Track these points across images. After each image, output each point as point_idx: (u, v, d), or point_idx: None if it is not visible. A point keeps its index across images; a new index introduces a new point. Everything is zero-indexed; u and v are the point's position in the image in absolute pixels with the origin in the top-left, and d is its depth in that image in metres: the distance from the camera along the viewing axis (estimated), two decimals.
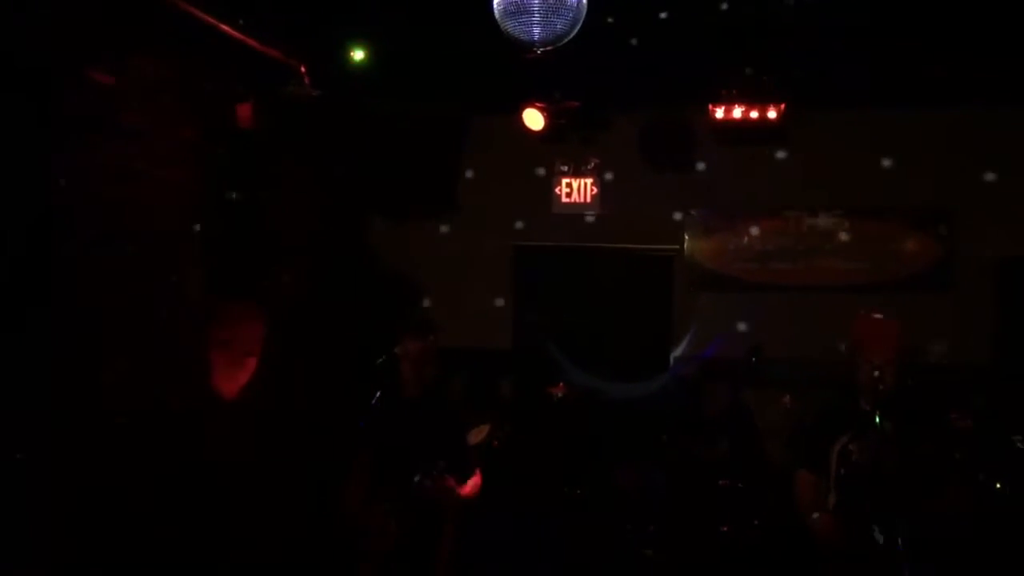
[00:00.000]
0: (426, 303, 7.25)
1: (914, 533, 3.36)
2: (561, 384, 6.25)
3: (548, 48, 3.77)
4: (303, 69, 5.47)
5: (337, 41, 5.54)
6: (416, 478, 3.86)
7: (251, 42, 5.13)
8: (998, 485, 4.79)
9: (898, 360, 3.87)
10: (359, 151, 6.88)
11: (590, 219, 7.30)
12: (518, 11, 3.47)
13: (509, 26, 3.51)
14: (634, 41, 5.58)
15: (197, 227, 5.11)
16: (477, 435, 4.03)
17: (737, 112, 6.27)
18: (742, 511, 5.26)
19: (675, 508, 5.38)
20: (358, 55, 5.52)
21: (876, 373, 3.80)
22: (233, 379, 5.36)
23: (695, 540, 5.24)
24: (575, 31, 3.66)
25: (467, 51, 5.55)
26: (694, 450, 5.53)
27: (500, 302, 7.29)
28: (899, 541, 3.32)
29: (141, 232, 4.63)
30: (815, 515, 3.85)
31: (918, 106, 6.56)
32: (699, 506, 5.32)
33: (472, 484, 4.11)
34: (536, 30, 3.57)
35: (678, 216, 7.15)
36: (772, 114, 6.27)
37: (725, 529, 5.25)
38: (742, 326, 6.92)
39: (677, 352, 7.13)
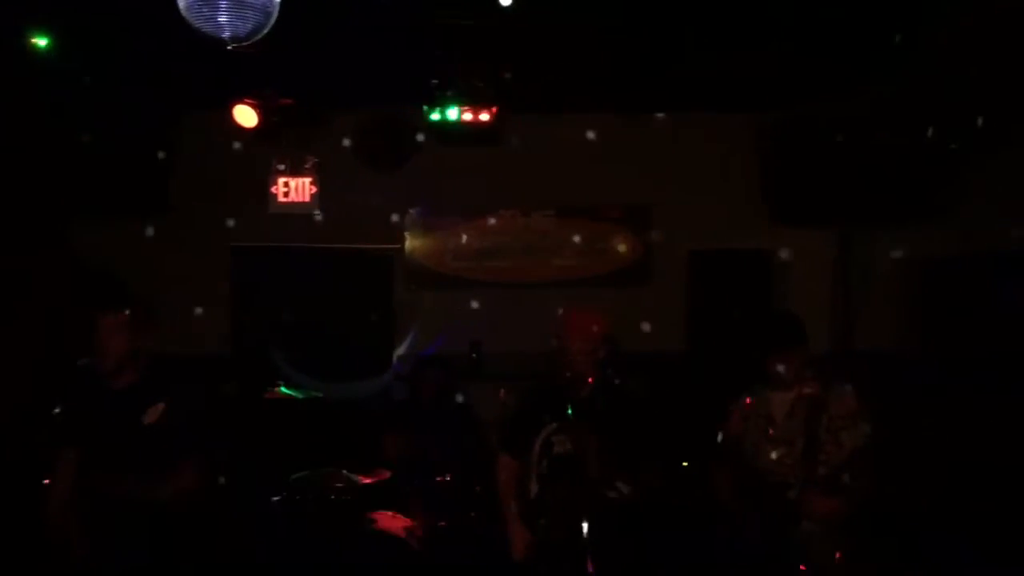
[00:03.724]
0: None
1: (601, 522, 3.58)
2: (280, 388, 6.08)
3: (241, 45, 3.66)
4: None
5: (16, 26, 5.07)
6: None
7: None
8: (684, 464, 5.20)
9: (598, 351, 4.11)
10: (55, 147, 6.35)
11: (309, 218, 7.17)
12: (202, 4, 3.33)
13: (193, 19, 3.36)
14: (347, 40, 5.55)
15: None
16: (152, 416, 3.83)
17: (451, 114, 6.41)
18: (460, 504, 5.37)
19: (393, 506, 5.39)
20: (41, 42, 5.09)
21: (576, 364, 4.04)
22: None
23: (413, 536, 5.27)
24: (268, 27, 3.57)
25: (173, 42, 5.28)
26: (412, 445, 5.58)
27: (215, 306, 6.99)
28: (584, 531, 3.52)
29: None
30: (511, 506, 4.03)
31: (621, 111, 6.98)
32: (417, 502, 5.37)
33: (174, 480, 3.88)
34: (224, 25, 3.44)
35: (397, 216, 7.20)
36: (485, 116, 6.46)
37: (443, 524, 5.34)
38: (463, 323, 7.07)
39: (400, 351, 7.19)
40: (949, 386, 6.09)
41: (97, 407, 3.90)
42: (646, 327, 6.81)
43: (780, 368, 4.00)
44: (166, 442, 3.83)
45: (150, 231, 6.88)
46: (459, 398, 5.96)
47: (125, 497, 3.75)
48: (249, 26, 3.47)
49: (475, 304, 7.00)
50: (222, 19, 3.38)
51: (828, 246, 7.10)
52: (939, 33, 5.27)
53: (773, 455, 3.98)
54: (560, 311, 4.34)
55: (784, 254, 6.97)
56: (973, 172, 6.44)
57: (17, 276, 6.02)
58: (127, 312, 3.90)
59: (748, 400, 4.19)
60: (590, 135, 7.02)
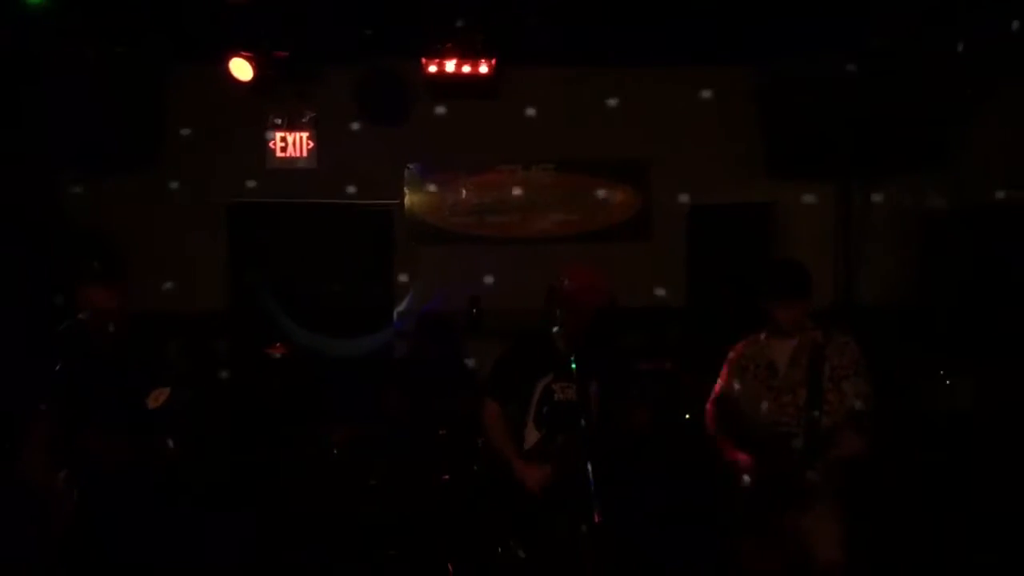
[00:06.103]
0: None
1: (604, 465, 3.64)
2: (279, 344, 6.08)
3: None
4: None
5: None
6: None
7: None
8: (687, 416, 5.24)
9: (600, 306, 4.16)
10: (46, 101, 6.26)
11: (308, 173, 7.08)
12: None
13: None
14: None
15: None
16: (156, 400, 3.81)
17: (450, 66, 6.32)
18: (461, 459, 5.39)
19: (397, 461, 5.41)
20: None
21: (583, 317, 4.09)
22: None
23: (417, 491, 5.30)
24: None
25: None
26: (412, 400, 5.58)
27: (211, 263, 6.95)
28: (590, 472, 3.58)
29: None
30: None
31: (621, 64, 6.89)
32: (420, 457, 5.39)
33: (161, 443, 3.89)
34: None
35: (397, 170, 7.14)
36: (484, 69, 6.38)
37: (446, 478, 5.36)
38: (463, 279, 7.04)
39: (400, 307, 7.15)
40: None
41: (90, 369, 3.87)
42: (647, 281, 6.82)
43: (784, 316, 4.01)
44: (162, 419, 3.85)
45: (145, 188, 6.83)
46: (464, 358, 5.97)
47: (119, 459, 3.75)
48: None
49: (475, 259, 6.98)
50: None
51: (828, 199, 7.05)
52: None
53: (775, 404, 3.99)
54: (566, 265, 4.37)
55: (785, 208, 6.95)
56: (971, 125, 6.44)
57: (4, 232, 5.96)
58: (119, 281, 3.88)
59: (744, 348, 4.20)
60: (590, 89, 6.97)
